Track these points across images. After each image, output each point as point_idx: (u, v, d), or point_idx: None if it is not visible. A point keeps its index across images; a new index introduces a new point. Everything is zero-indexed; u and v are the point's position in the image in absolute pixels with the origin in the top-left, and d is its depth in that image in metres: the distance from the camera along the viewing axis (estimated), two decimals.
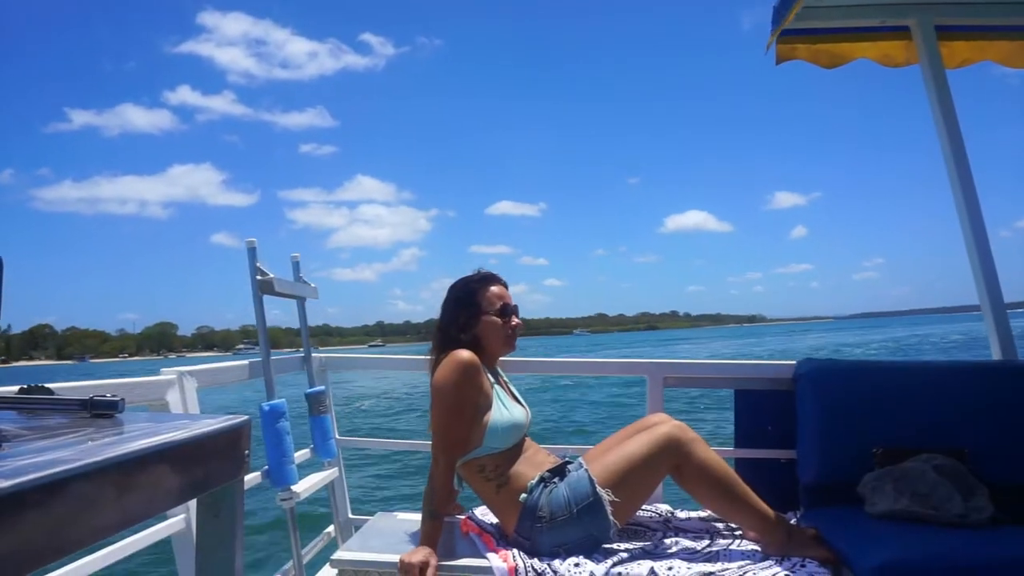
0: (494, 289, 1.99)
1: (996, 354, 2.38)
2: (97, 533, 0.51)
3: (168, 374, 1.74)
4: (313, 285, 2.36)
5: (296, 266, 2.32)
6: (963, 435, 1.99)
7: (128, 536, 1.46)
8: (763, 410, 2.28)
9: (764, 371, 2.32)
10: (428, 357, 1.99)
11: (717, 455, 1.81)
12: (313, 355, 2.43)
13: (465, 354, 1.84)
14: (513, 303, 2.01)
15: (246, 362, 2.08)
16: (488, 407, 1.85)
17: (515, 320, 2.00)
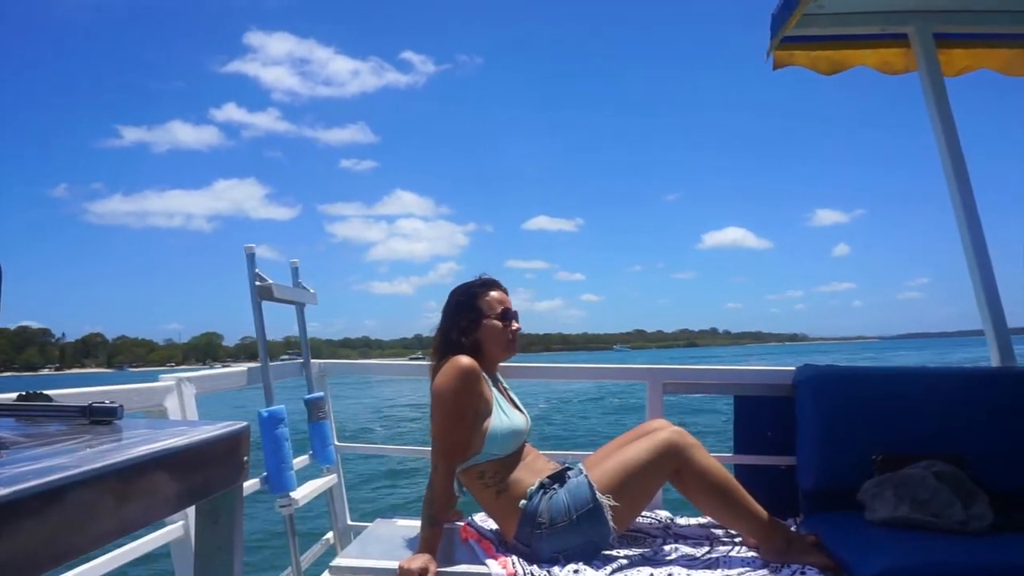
0: (495, 294, 2.00)
1: (995, 361, 2.38)
2: (95, 540, 0.50)
3: (167, 380, 1.73)
4: (312, 291, 2.36)
5: (295, 272, 2.32)
6: (963, 441, 1.99)
7: (127, 543, 1.45)
8: (763, 416, 2.28)
9: (764, 377, 2.32)
10: (428, 363, 1.99)
11: (717, 461, 1.81)
12: (312, 361, 2.42)
13: (465, 360, 1.84)
14: (513, 308, 2.02)
15: (244, 368, 2.08)
16: (488, 413, 1.85)
17: (515, 325, 2.01)
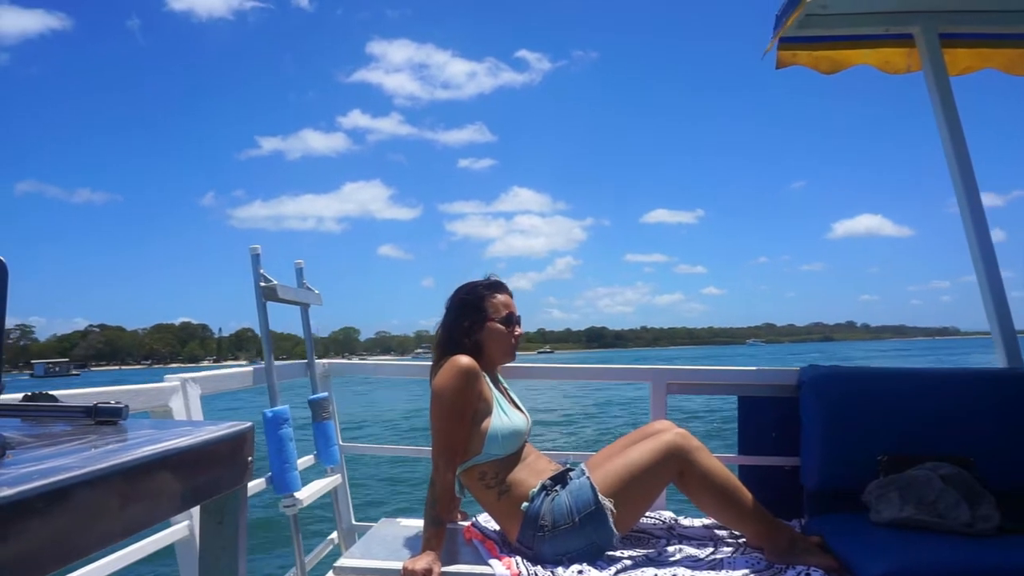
0: (501, 297, 2.00)
1: (1001, 362, 2.37)
2: (101, 540, 0.51)
3: (171, 381, 1.74)
4: (316, 292, 2.37)
5: (299, 272, 2.33)
6: (969, 443, 1.98)
7: (131, 543, 1.46)
8: (767, 417, 2.27)
9: (768, 377, 2.31)
10: (429, 363, 2.00)
11: (720, 463, 1.81)
12: (316, 361, 2.43)
13: (465, 360, 1.84)
14: (518, 313, 2.02)
15: (250, 368, 2.08)
16: (488, 413, 1.85)
17: (518, 330, 2.01)
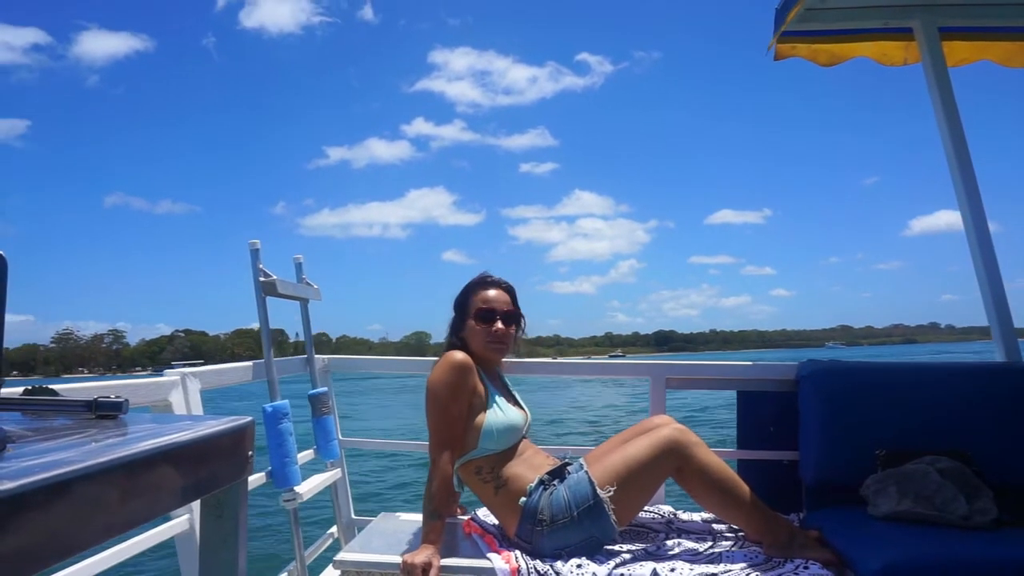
0: (483, 293, 1.99)
1: (1000, 356, 2.37)
2: (101, 534, 0.51)
3: (172, 375, 1.74)
4: (316, 287, 2.37)
5: (299, 268, 2.33)
6: (967, 437, 1.99)
7: (132, 537, 1.46)
8: (766, 411, 2.28)
9: (767, 372, 2.32)
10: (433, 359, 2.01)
11: (718, 458, 1.81)
12: (315, 357, 2.43)
13: (458, 355, 1.85)
14: (504, 309, 1.98)
15: (250, 363, 2.09)
16: (482, 408, 1.85)
17: (497, 326, 1.96)
